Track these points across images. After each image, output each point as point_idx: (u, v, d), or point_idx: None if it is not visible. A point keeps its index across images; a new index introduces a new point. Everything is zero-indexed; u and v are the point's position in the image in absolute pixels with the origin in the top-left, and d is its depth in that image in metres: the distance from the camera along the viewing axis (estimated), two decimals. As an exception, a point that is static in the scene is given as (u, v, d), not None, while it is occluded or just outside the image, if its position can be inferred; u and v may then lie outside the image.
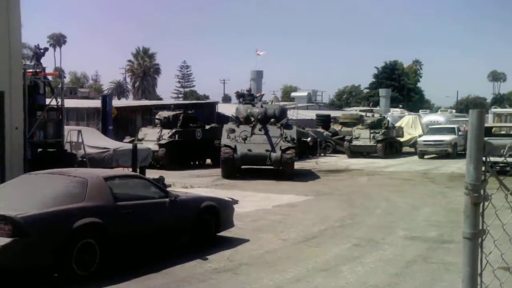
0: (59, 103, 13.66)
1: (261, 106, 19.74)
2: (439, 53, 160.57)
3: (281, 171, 17.75)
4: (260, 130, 18.25)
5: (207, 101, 53.49)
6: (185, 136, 22.96)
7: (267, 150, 17.60)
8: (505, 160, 2.70)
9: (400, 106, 64.71)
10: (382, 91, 67.18)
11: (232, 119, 19.74)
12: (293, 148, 17.83)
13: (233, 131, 18.26)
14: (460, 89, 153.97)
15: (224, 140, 18.13)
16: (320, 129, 33.04)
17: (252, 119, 18.87)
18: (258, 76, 59.12)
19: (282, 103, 33.27)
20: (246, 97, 21.45)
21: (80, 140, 14.38)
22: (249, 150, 17.69)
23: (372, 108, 42.14)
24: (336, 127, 34.42)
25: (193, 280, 6.63)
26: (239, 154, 17.61)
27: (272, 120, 18.77)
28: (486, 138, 2.45)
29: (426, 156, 28.48)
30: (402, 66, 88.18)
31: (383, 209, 12.55)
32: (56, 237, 6.11)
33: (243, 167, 18.63)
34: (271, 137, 17.96)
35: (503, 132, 24.01)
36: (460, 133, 28.76)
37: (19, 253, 5.82)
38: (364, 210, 12.33)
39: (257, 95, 22.96)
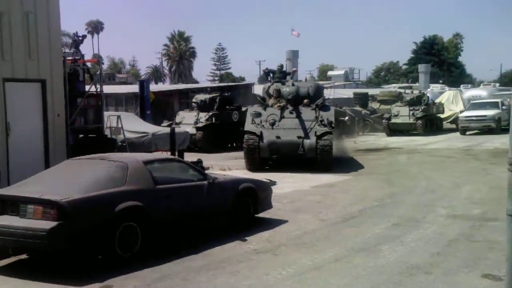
0: (98, 89, 13.93)
1: (293, 85, 17.13)
2: (481, 25, 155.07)
3: (317, 161, 15.19)
4: (291, 113, 15.81)
5: (243, 82, 53.47)
6: (222, 119, 23.11)
7: (299, 137, 15.15)
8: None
9: (440, 81, 63.04)
10: (421, 67, 65.57)
11: (258, 100, 17.22)
12: (331, 133, 15.30)
13: (258, 115, 15.80)
14: (504, 61, 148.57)
15: (248, 125, 15.61)
16: (358, 108, 32.70)
17: (282, 100, 16.41)
18: (293, 55, 58.45)
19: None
20: (276, 75, 18.67)
21: (119, 125, 14.68)
22: (278, 137, 15.24)
23: (411, 85, 41.41)
24: (374, 105, 34.08)
25: (232, 260, 6.73)
26: (266, 142, 15.16)
27: (305, 100, 16.29)
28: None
29: (468, 132, 27.86)
30: (442, 40, 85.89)
31: (424, 187, 12.38)
32: (99, 220, 6.30)
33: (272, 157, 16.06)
34: (304, 120, 15.52)
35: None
36: (504, 107, 27.93)
37: (64, 236, 6.03)
38: (404, 189, 12.20)
39: (291, 71, 20.43)
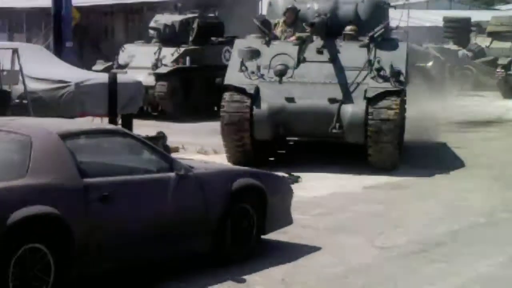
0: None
1: None
2: None
3: (367, 150, 14.20)
4: (319, 52, 14.77)
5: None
6: (203, 60, 23.05)
7: (332, 100, 14.15)
8: None
9: None
10: None
11: (258, 27, 15.87)
12: (398, 93, 14.35)
13: (255, 55, 14.71)
14: None
15: (233, 74, 14.81)
16: (451, 45, 32.63)
17: (304, 26, 15.27)
18: None
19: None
20: None
21: (16, 67, 14.67)
22: (290, 99, 14.31)
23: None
24: (481, 41, 33.92)
25: (220, 317, 6.82)
26: (266, 108, 14.18)
27: (348, 28, 15.17)
28: None
29: None
30: None
31: None
32: (-19, 239, 6.33)
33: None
34: (344, 68, 14.47)
35: None
36: None
37: None
38: (531, 195, 12.28)
39: None
